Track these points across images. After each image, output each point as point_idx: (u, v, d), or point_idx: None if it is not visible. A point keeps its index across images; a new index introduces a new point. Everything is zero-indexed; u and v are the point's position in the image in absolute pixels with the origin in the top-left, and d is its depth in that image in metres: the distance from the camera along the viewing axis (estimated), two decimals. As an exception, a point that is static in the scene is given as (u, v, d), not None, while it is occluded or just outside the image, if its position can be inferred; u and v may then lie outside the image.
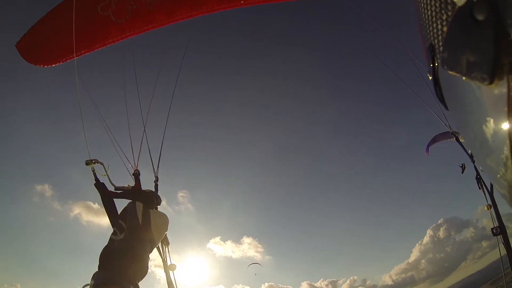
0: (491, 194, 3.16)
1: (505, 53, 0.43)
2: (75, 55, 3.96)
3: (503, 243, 3.02)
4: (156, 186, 3.39)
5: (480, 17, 0.45)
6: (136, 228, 2.95)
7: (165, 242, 3.20)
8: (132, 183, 3.31)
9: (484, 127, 0.51)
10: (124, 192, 3.22)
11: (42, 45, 5.15)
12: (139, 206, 3.14)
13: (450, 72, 0.55)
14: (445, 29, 0.57)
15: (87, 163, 3.14)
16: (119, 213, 3.20)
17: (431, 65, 0.64)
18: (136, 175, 3.29)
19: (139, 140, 3.42)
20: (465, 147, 3.49)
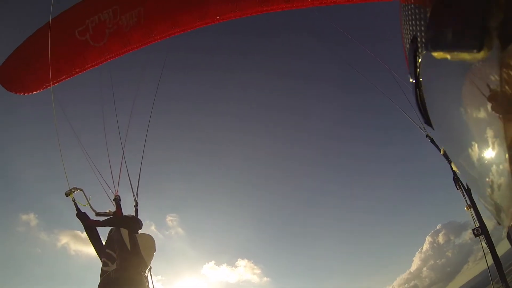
0: (469, 194, 3.06)
1: (491, 17, 0.41)
2: (51, 83, 3.88)
3: (486, 243, 2.92)
4: (136, 211, 3.37)
5: None
6: (126, 255, 2.98)
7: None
8: (112, 208, 3.25)
9: (470, 150, 0.53)
10: (107, 220, 3.17)
11: (22, 73, 5.07)
12: (124, 232, 3.11)
13: (434, 53, 0.53)
14: (428, 12, 0.56)
15: (67, 194, 3.11)
16: (103, 242, 3.17)
17: (414, 63, 0.63)
18: (117, 200, 3.27)
19: (118, 166, 3.37)
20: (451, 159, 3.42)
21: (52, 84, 4.91)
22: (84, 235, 3.16)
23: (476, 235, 2.93)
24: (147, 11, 4.19)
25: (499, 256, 2.87)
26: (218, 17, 3.66)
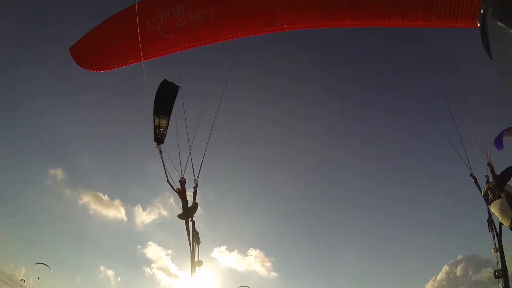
0: (499, 236, 3.23)
1: None
2: (142, 58, 4.36)
3: (503, 287, 3.11)
4: (195, 192, 3.90)
5: None
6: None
7: (196, 240, 3.65)
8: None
9: None
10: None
11: (95, 52, 5.62)
12: None
13: (498, 22, 0.64)
14: None
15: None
16: None
17: (481, 11, 0.73)
18: (182, 182, 3.85)
19: (183, 152, 3.88)
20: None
21: (122, 65, 5.45)
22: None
23: (496, 277, 3.16)
24: (217, 12, 4.54)
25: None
26: (286, 26, 3.93)
